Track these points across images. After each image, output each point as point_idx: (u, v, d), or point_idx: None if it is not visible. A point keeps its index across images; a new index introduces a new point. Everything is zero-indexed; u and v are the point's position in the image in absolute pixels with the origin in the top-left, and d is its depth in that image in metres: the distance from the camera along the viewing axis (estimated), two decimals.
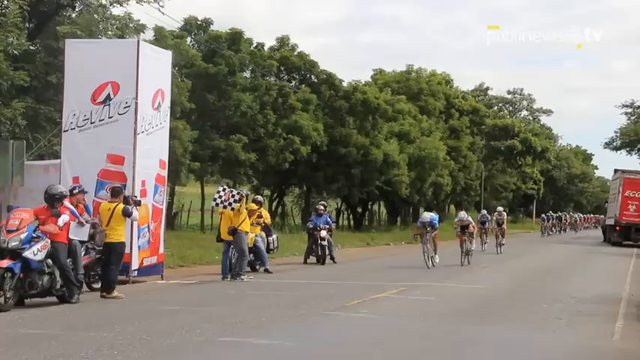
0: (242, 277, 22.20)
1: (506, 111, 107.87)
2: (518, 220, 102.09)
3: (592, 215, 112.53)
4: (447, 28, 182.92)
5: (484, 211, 44.09)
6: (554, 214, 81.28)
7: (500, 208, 43.73)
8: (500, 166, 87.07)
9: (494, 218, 41.50)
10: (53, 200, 16.40)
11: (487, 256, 35.22)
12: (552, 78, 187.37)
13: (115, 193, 18.45)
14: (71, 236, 16.92)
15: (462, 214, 33.68)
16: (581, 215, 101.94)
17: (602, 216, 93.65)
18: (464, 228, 31.33)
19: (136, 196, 19.70)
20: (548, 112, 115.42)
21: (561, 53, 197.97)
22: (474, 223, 33.28)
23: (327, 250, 29.53)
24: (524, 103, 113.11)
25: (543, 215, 77.43)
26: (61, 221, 16.28)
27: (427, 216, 29.64)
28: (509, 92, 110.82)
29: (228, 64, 40.48)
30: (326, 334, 13.81)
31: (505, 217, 42.23)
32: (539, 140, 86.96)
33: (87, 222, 18.00)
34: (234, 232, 22.76)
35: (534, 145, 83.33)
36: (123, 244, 18.27)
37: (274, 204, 52.49)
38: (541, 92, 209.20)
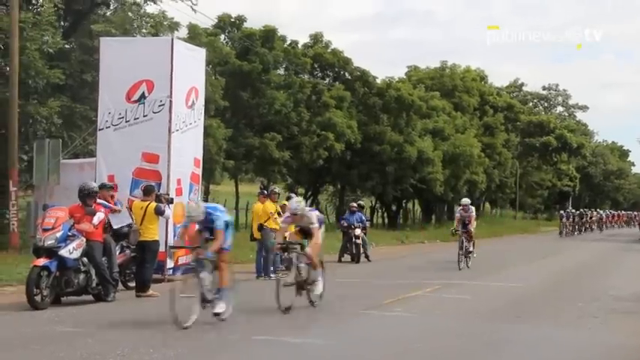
0: (272, 275, 22.21)
1: (541, 107, 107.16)
2: (553, 217, 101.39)
3: (623, 212, 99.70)
4: (482, 22, 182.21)
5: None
6: (575, 211, 70.42)
7: (465, 201, 29.64)
8: (535, 163, 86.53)
9: (458, 216, 28.85)
10: (85, 197, 16.47)
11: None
12: (588, 73, 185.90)
13: (147, 191, 18.49)
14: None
15: (465, 200, 29.60)
16: (609, 212, 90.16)
17: (637, 213, 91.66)
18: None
19: (167, 194, 19.73)
20: (583, 107, 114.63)
21: (596, 48, 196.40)
22: (474, 216, 28.64)
23: (361, 249, 29.49)
24: (560, 99, 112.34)
25: (562, 212, 67.13)
26: (96, 219, 16.36)
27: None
28: (544, 88, 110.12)
29: (262, 62, 40.52)
30: (361, 333, 13.78)
31: (473, 214, 28.86)
32: (575, 136, 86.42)
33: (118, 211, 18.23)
34: (260, 228, 22.84)
35: (570, 142, 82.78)
36: (157, 242, 18.30)
37: (308, 202, 52.46)
38: (577, 88, 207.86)
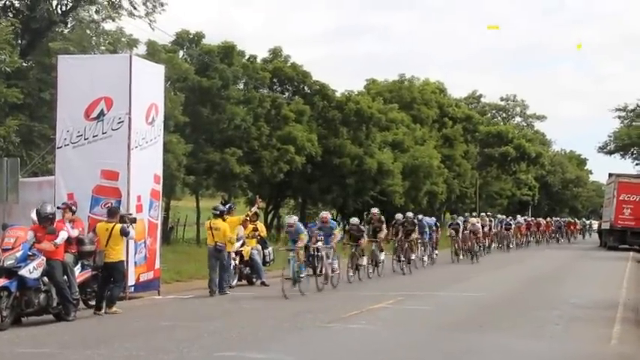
0: (227, 292, 22.19)
1: (499, 118, 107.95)
2: None
3: (558, 220, 76.69)
4: (438, 36, 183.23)
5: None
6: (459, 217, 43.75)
7: (375, 210, 30.11)
8: (494, 173, 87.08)
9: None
10: (41, 221, 16.44)
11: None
12: (546, 83, 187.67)
13: (112, 213, 18.47)
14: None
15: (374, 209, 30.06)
16: (530, 219, 65.43)
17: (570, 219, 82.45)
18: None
19: (130, 214, 19.65)
20: (541, 117, 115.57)
21: (554, 58, 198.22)
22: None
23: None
24: (518, 109, 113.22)
25: (457, 221, 40.88)
26: (59, 239, 16.30)
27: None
28: (502, 99, 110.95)
29: (221, 77, 40.49)
30: (324, 347, 13.79)
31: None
32: (533, 146, 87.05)
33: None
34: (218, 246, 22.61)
35: (528, 151, 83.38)
36: (123, 262, 18.38)
37: (270, 216, 52.46)
38: (535, 98, 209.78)
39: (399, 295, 21.36)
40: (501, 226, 51.03)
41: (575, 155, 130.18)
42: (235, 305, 19.44)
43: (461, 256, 37.94)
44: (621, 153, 75.09)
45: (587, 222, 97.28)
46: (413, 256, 30.46)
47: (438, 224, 38.96)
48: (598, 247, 58.19)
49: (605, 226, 58.01)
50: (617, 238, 54.06)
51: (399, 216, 31.45)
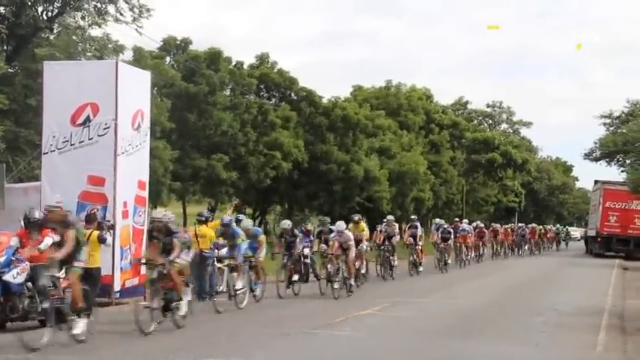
0: (215, 298, 22.08)
1: (486, 124, 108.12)
2: None
3: (522, 226, 59.79)
4: (427, 42, 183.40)
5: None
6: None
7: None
8: (481, 180, 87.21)
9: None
10: (33, 226, 16.37)
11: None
12: (533, 90, 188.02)
13: (90, 219, 18.38)
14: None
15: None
16: (482, 225, 47.40)
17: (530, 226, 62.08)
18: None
19: (109, 221, 19.58)
20: (527, 124, 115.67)
21: (542, 65, 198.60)
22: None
23: (309, 268, 29.48)
24: (504, 116, 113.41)
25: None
26: (43, 245, 16.22)
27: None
28: (488, 105, 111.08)
29: (208, 84, 40.53)
30: (310, 353, 13.80)
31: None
32: (519, 152, 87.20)
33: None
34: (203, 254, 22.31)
35: (514, 158, 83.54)
36: (99, 269, 18.18)
37: (256, 222, 52.42)
38: (522, 104, 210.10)
39: (385, 302, 21.36)
40: (438, 235, 36.58)
41: (561, 162, 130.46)
42: (222, 311, 19.40)
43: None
44: (607, 160, 75.08)
45: (562, 228, 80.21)
46: (395, 263, 30.18)
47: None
48: (584, 254, 58.33)
49: (591, 233, 58.11)
50: (603, 245, 54.17)
51: (390, 217, 31.14)
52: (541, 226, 66.77)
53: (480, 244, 44.24)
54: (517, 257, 51.40)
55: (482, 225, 46.77)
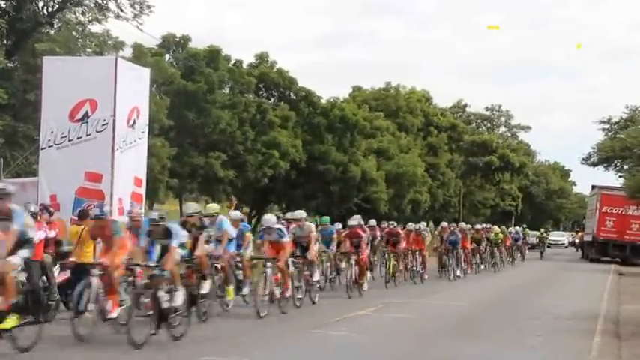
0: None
1: (484, 128, 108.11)
2: None
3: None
4: (426, 44, 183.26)
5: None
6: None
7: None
8: (478, 183, 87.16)
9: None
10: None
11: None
12: (532, 94, 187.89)
13: (82, 215, 18.35)
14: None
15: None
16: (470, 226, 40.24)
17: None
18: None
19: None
20: (526, 128, 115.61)
21: (542, 69, 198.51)
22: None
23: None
24: (503, 119, 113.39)
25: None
26: (36, 238, 16.17)
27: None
28: (487, 109, 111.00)
29: (207, 81, 40.53)
30: (308, 353, 13.79)
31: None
32: (517, 156, 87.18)
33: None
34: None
35: (512, 161, 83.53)
36: (93, 265, 18.17)
37: (253, 222, 52.36)
38: (520, 108, 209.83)
39: (380, 303, 21.35)
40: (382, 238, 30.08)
41: (559, 166, 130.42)
42: (219, 311, 19.36)
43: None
44: (605, 165, 75.16)
45: (543, 234, 68.30)
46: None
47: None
48: (580, 259, 58.34)
49: (588, 237, 58.12)
50: (599, 250, 54.23)
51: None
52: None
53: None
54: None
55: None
